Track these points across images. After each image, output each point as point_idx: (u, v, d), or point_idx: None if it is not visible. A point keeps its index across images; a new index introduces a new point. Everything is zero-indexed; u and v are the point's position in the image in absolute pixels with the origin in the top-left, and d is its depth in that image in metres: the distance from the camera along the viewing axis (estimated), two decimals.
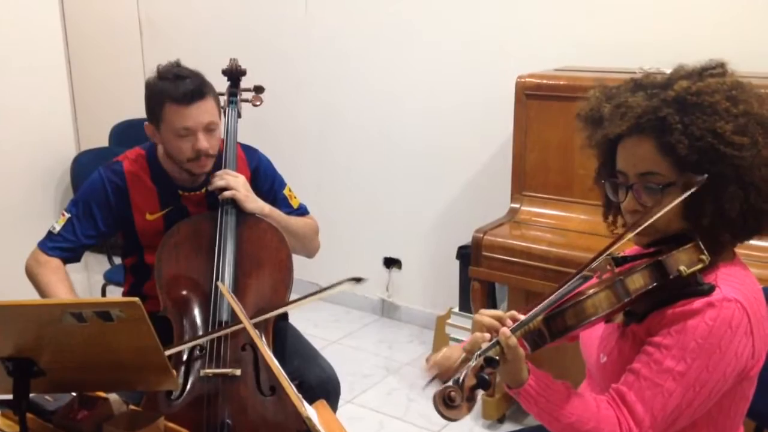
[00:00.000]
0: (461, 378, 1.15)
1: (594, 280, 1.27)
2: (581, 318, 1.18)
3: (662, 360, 1.21)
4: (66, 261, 2.03)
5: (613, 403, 1.24)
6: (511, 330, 1.19)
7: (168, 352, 1.57)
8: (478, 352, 1.18)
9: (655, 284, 1.21)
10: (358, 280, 1.75)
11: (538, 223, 2.70)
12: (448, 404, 1.15)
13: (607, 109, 1.32)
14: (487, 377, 1.15)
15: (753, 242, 1.34)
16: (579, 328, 1.20)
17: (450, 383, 1.15)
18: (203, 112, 1.92)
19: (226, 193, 1.98)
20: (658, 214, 1.22)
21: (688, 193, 1.21)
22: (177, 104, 1.90)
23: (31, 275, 2.00)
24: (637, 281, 1.20)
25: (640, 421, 1.21)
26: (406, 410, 2.95)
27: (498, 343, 1.18)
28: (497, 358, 1.17)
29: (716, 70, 1.30)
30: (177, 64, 1.99)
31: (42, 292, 1.96)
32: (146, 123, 2.00)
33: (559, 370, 2.03)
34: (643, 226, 1.24)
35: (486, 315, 1.26)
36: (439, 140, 3.42)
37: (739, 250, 1.35)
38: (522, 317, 1.23)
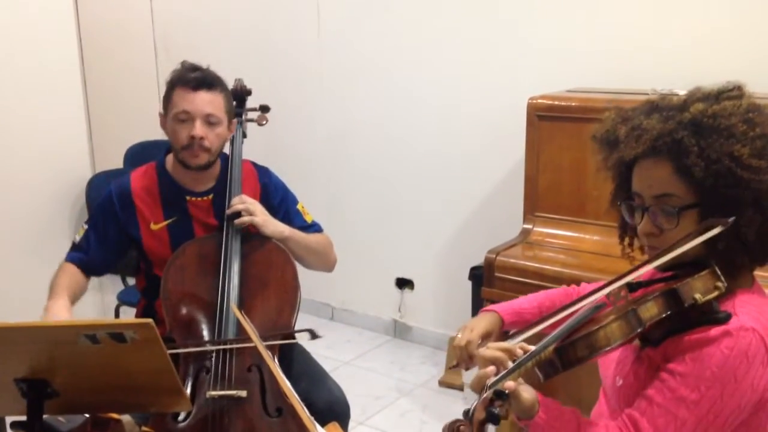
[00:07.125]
0: (471, 411, 1.14)
1: (608, 307, 1.25)
2: (594, 349, 1.17)
3: (677, 387, 1.19)
4: (84, 268, 2.07)
5: (624, 428, 1.22)
6: (520, 361, 1.19)
7: (170, 351, 1.57)
8: (489, 383, 1.17)
9: (669, 312, 1.19)
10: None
11: (551, 244, 2.69)
12: None
13: (623, 131, 1.31)
14: (496, 411, 1.12)
15: None
16: (591, 359, 1.18)
17: (460, 417, 1.14)
18: (207, 101, 1.98)
19: (245, 219, 1.99)
20: (680, 250, 1.21)
21: (712, 233, 1.18)
22: (184, 87, 1.98)
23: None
24: (651, 309, 1.18)
25: None
26: None
27: (508, 373, 1.17)
28: (507, 392, 1.14)
29: (733, 92, 1.29)
30: (207, 67, 2.07)
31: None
32: (160, 112, 2.07)
33: (572, 391, 2.02)
34: (664, 260, 1.22)
35: (492, 348, 1.24)
36: (452, 161, 3.42)
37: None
38: (530, 347, 1.21)
